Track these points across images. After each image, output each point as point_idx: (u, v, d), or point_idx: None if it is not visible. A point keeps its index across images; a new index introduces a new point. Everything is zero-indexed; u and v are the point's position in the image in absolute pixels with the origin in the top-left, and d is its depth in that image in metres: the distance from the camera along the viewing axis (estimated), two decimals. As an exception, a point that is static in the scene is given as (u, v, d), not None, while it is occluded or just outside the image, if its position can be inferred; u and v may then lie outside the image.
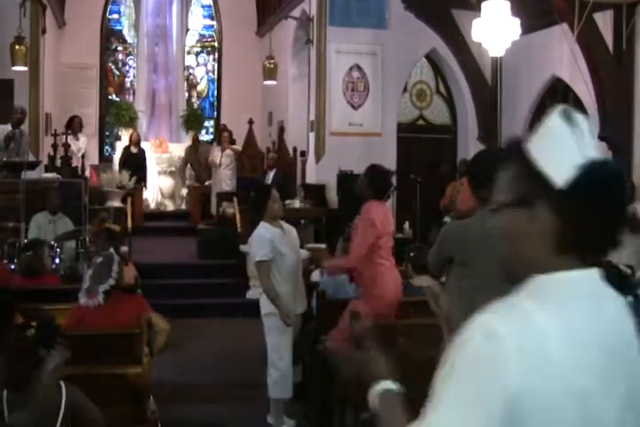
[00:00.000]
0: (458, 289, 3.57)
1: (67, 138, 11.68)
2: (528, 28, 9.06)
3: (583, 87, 9.09)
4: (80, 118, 12.51)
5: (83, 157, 11.80)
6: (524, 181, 1.35)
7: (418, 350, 4.05)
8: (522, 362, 1.21)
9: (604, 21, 8.77)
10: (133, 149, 13.23)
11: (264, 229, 5.13)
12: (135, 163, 12.76)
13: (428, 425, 1.23)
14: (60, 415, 2.76)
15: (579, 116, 1.37)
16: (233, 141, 12.81)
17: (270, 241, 5.04)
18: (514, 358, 1.21)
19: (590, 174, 1.29)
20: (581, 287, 1.32)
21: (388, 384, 1.50)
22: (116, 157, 14.19)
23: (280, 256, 5.07)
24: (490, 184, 3.67)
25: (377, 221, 4.91)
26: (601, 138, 9.08)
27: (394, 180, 6.16)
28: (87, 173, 11.92)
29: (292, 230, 5.39)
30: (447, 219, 10.07)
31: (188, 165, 14.16)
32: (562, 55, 9.65)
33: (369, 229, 4.88)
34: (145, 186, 13.14)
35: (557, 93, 10.78)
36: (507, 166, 1.41)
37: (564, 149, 1.32)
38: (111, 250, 4.90)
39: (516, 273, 1.42)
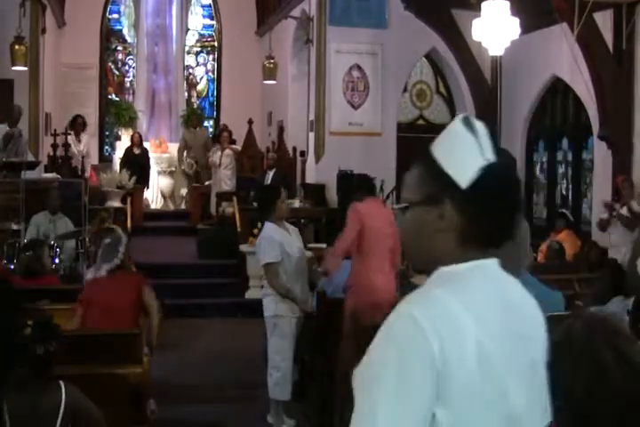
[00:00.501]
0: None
1: (66, 138, 11.68)
2: (528, 28, 9.06)
3: (583, 87, 9.08)
4: (83, 118, 12.53)
5: (83, 157, 11.80)
6: (431, 181, 1.47)
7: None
8: (440, 341, 1.34)
9: (604, 21, 8.77)
10: (136, 150, 13.24)
11: (272, 230, 5.12)
12: (137, 164, 12.78)
13: (371, 408, 1.34)
14: (60, 415, 2.75)
15: (478, 123, 1.48)
16: (233, 141, 12.82)
17: (280, 243, 5.05)
18: (433, 338, 1.34)
19: (491, 176, 1.43)
20: (482, 274, 1.46)
21: None
22: (116, 156, 14.19)
23: (287, 257, 5.07)
24: None
25: (357, 217, 5.14)
26: (601, 137, 9.09)
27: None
28: (87, 173, 11.93)
29: (296, 231, 5.40)
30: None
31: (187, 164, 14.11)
32: (562, 55, 9.65)
33: (350, 223, 5.16)
34: (147, 186, 13.17)
35: (557, 93, 10.78)
36: (413, 167, 1.55)
37: (466, 152, 1.45)
38: (120, 232, 4.99)
39: (422, 266, 1.56)
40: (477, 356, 1.36)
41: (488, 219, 1.45)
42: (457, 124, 1.50)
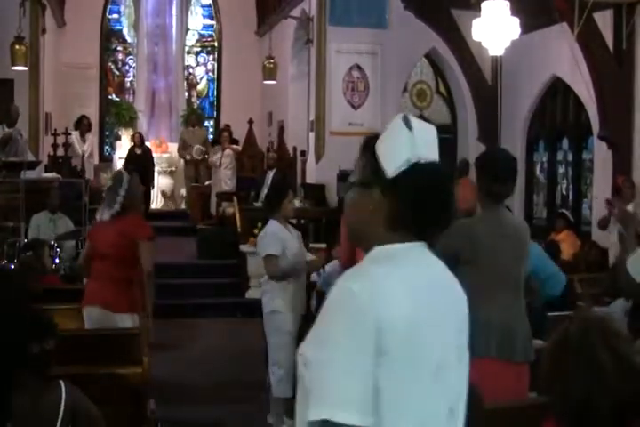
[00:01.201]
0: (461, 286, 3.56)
1: (67, 138, 11.68)
2: (528, 28, 9.06)
3: (583, 87, 9.08)
4: (88, 119, 12.54)
5: (83, 156, 11.80)
6: (368, 168, 1.69)
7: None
8: (376, 314, 1.52)
9: (604, 21, 8.76)
10: (137, 150, 13.24)
11: (276, 228, 5.15)
12: (140, 164, 12.80)
13: (321, 370, 1.52)
14: (60, 415, 2.75)
15: (419, 123, 1.68)
16: (235, 141, 12.83)
17: (282, 239, 5.07)
18: (370, 311, 1.52)
19: (416, 170, 1.63)
20: (412, 255, 1.68)
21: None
22: (117, 156, 14.21)
23: (285, 257, 5.08)
24: (507, 180, 3.67)
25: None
26: (601, 137, 9.08)
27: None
28: (92, 174, 11.95)
29: (299, 235, 5.41)
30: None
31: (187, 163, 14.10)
32: (562, 55, 9.65)
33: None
34: (152, 186, 13.18)
35: (557, 93, 10.78)
36: (360, 156, 1.77)
37: (398, 146, 1.65)
38: (122, 173, 4.98)
39: (356, 240, 1.76)
40: (408, 320, 1.55)
41: (409, 209, 1.64)
42: (396, 121, 1.69)
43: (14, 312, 2.81)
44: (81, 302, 4.76)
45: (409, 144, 1.64)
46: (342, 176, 10.79)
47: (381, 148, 1.68)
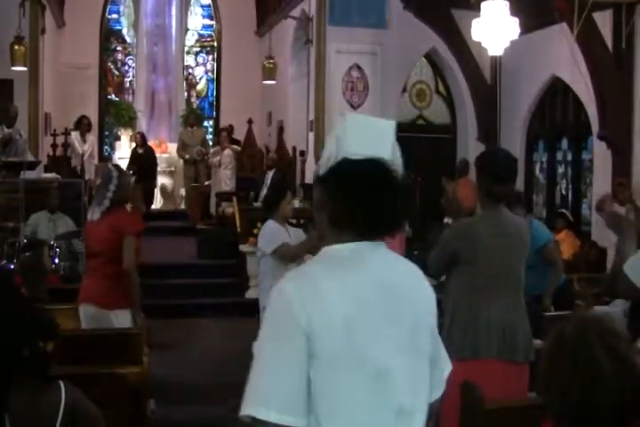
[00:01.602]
0: (460, 287, 3.56)
1: (66, 138, 11.68)
2: (527, 28, 9.06)
3: (583, 87, 9.09)
4: (89, 119, 12.54)
5: (83, 156, 11.80)
6: (319, 166, 1.74)
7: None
8: (306, 312, 1.55)
9: (604, 21, 8.76)
10: (140, 150, 13.27)
11: (273, 227, 5.18)
12: (143, 163, 12.86)
13: (257, 371, 1.57)
14: (60, 415, 2.75)
15: (353, 119, 1.72)
16: (236, 142, 12.83)
17: (281, 239, 5.10)
18: (300, 309, 1.55)
19: (342, 167, 1.65)
20: (359, 256, 1.66)
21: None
22: (116, 156, 14.21)
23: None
24: (507, 180, 3.67)
25: None
26: (600, 137, 9.08)
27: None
28: (92, 174, 11.94)
29: (298, 234, 5.41)
30: (447, 220, 10.08)
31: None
32: (561, 55, 9.65)
33: None
34: (155, 185, 13.20)
35: (557, 93, 10.78)
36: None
37: (328, 145, 1.71)
38: (110, 168, 5.00)
39: (324, 242, 1.75)
40: (343, 325, 1.55)
41: (341, 207, 1.66)
42: (338, 121, 1.75)
43: (14, 312, 2.81)
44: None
45: (335, 142, 1.67)
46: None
47: (324, 147, 1.74)
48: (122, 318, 4.62)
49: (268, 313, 1.62)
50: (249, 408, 1.54)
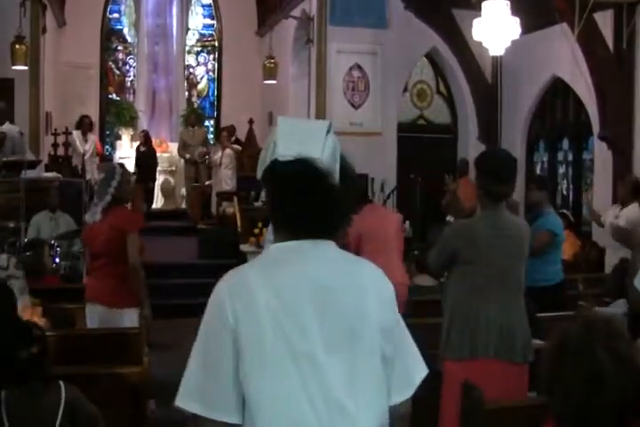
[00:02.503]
0: (460, 287, 3.56)
1: (67, 137, 11.68)
2: (528, 28, 9.06)
3: (583, 87, 9.09)
4: (90, 118, 12.54)
5: (84, 155, 11.80)
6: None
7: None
8: (234, 310, 1.61)
9: (605, 21, 8.76)
10: (141, 148, 13.31)
11: None
12: (144, 163, 12.91)
13: (189, 366, 1.64)
14: (59, 415, 2.75)
15: (285, 122, 1.79)
16: (238, 142, 12.82)
17: None
18: (228, 307, 1.62)
19: (268, 172, 1.73)
20: (290, 252, 1.70)
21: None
22: (117, 156, 14.22)
23: None
24: (508, 179, 3.68)
25: (354, 235, 5.18)
26: (601, 138, 9.08)
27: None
28: (94, 174, 11.96)
29: None
30: (449, 218, 10.08)
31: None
32: (562, 55, 9.65)
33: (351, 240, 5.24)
34: (153, 182, 13.20)
35: (557, 93, 10.78)
36: None
37: (266, 150, 1.77)
38: (114, 165, 4.98)
39: None
40: (270, 322, 1.60)
41: (277, 208, 1.73)
42: (275, 124, 1.81)
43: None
44: (82, 301, 4.77)
45: (269, 145, 1.76)
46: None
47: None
48: (131, 317, 4.63)
49: (206, 311, 1.69)
50: (181, 402, 1.61)
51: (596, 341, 1.74)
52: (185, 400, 1.61)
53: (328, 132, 1.81)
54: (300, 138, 1.73)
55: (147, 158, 13.20)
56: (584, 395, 1.72)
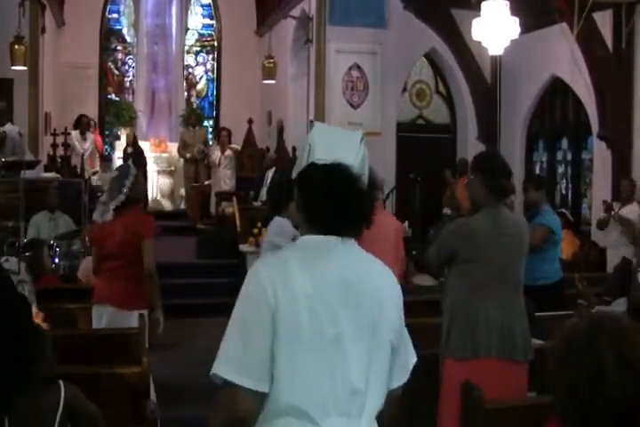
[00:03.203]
0: (460, 286, 3.57)
1: (66, 137, 11.68)
2: (527, 28, 9.06)
3: (583, 86, 9.09)
4: (88, 118, 12.52)
5: (83, 155, 11.79)
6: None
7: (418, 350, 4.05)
8: (274, 291, 1.78)
9: (604, 21, 8.77)
10: (129, 150, 13.23)
11: (285, 222, 5.12)
12: (133, 162, 12.77)
13: (227, 338, 1.80)
14: (59, 415, 2.75)
15: (320, 129, 1.96)
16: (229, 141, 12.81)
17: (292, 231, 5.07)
18: (269, 289, 1.78)
19: (306, 173, 1.89)
20: (322, 246, 1.88)
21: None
22: (116, 156, 14.20)
23: None
24: (510, 176, 3.72)
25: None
26: (600, 137, 9.09)
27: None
28: (97, 168, 11.98)
29: None
30: (446, 210, 10.09)
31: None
32: (561, 55, 9.65)
33: None
34: (145, 180, 13.14)
35: (557, 93, 10.78)
36: None
37: (304, 152, 1.92)
38: (129, 164, 4.93)
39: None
40: (305, 305, 1.77)
41: (311, 207, 1.89)
42: (311, 129, 1.98)
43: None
44: (82, 301, 4.76)
45: (307, 149, 1.90)
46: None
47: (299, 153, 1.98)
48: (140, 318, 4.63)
49: (244, 289, 1.85)
50: (218, 368, 1.78)
51: (602, 340, 1.73)
52: (221, 368, 1.78)
53: (361, 141, 1.98)
54: (336, 144, 1.89)
55: (135, 160, 13.08)
56: (587, 395, 1.72)
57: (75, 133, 12.14)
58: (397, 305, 1.96)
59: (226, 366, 1.78)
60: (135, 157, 12.86)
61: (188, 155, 13.21)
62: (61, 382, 2.84)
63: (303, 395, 1.77)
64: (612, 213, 7.88)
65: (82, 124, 12.19)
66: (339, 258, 1.88)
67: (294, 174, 1.93)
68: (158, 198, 14.45)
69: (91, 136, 12.34)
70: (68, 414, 2.78)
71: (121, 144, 14.71)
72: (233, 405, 1.80)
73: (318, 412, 1.77)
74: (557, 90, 10.71)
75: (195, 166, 13.36)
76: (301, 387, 1.76)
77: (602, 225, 8.20)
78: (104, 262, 4.73)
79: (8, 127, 9.46)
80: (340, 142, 1.91)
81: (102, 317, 4.64)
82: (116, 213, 4.59)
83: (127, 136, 13.53)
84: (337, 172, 1.87)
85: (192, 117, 14.19)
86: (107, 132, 15.72)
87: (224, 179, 12.00)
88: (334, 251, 1.89)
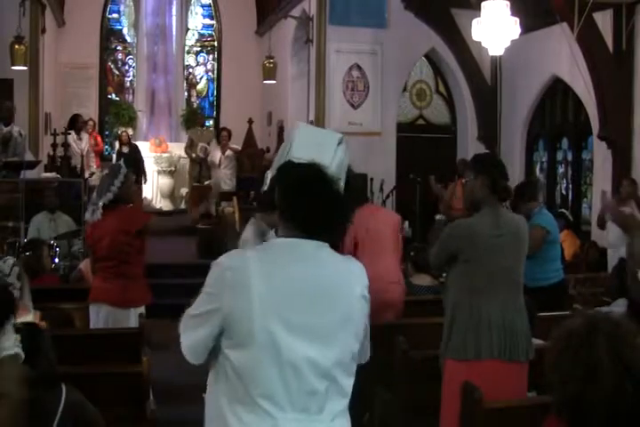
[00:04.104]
0: (461, 287, 3.56)
1: (66, 138, 11.67)
2: (528, 28, 9.06)
3: (583, 87, 9.08)
4: (82, 117, 12.51)
5: (82, 156, 11.78)
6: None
7: (418, 350, 4.05)
8: (230, 290, 1.86)
9: (604, 21, 8.76)
10: (124, 149, 13.20)
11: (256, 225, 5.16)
12: (129, 161, 12.76)
13: (183, 320, 2.01)
14: (58, 415, 2.75)
15: (302, 129, 1.99)
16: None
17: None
18: (227, 285, 1.87)
19: (284, 171, 1.92)
20: (295, 248, 1.90)
21: None
22: (116, 156, 14.20)
23: None
24: (507, 177, 3.73)
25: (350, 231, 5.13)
26: (601, 137, 9.08)
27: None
28: (95, 167, 11.95)
29: None
30: (439, 217, 10.09)
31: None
32: (562, 55, 9.65)
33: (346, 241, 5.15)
34: (145, 180, 13.14)
35: (557, 93, 10.78)
36: None
37: (284, 149, 2.00)
38: (120, 163, 4.91)
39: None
40: (260, 309, 1.81)
41: (284, 203, 1.91)
42: (292, 129, 2.02)
43: None
44: (81, 300, 4.76)
45: (285, 146, 1.96)
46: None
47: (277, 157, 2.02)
48: (137, 317, 4.65)
49: (208, 280, 1.96)
50: (180, 327, 2.02)
51: (598, 339, 1.74)
52: (181, 329, 2.02)
53: (339, 144, 2.02)
54: (315, 145, 1.94)
55: (129, 160, 13.04)
56: (581, 392, 1.73)
57: (72, 134, 12.13)
58: (366, 304, 1.99)
59: (181, 329, 2.02)
60: (128, 156, 12.86)
61: (194, 154, 13.23)
62: (63, 386, 2.84)
63: (256, 390, 1.84)
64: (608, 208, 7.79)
65: (77, 123, 12.17)
66: (304, 260, 1.90)
67: (273, 171, 1.99)
68: (158, 198, 14.45)
69: (86, 136, 12.31)
70: (67, 418, 2.78)
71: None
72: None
73: (272, 407, 1.84)
74: (557, 90, 10.70)
75: (199, 166, 13.36)
76: (254, 383, 1.84)
77: (601, 222, 8.15)
78: (99, 262, 4.76)
79: (13, 127, 9.47)
80: (319, 144, 1.95)
81: (99, 316, 4.65)
82: (106, 212, 4.58)
83: (121, 136, 13.50)
84: (311, 171, 1.90)
85: (199, 118, 14.21)
86: (107, 132, 15.72)
87: (224, 179, 12.00)
88: (300, 253, 1.91)
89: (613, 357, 1.72)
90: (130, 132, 14.55)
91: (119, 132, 14.19)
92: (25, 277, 4.88)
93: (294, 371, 1.83)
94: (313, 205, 1.89)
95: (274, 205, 5.25)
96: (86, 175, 10.89)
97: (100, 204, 4.59)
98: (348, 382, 1.96)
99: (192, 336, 1.94)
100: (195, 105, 16.34)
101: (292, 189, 1.90)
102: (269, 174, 8.12)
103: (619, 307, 4.08)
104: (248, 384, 1.84)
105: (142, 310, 4.70)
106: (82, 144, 12.09)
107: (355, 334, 1.95)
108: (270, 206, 5.10)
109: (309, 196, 1.89)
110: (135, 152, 13.31)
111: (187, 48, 16.38)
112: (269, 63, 12.64)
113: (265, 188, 6.40)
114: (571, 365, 1.75)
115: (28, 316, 4.06)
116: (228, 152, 12.08)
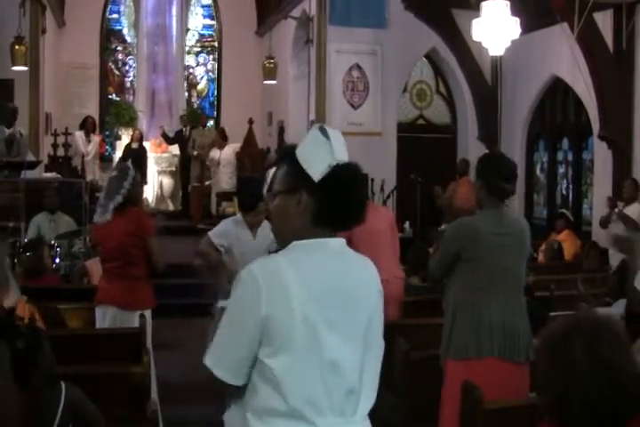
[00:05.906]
0: (462, 286, 3.56)
1: (66, 137, 11.69)
2: (528, 28, 9.06)
3: (583, 87, 9.08)
4: (93, 119, 12.51)
5: (84, 157, 11.79)
6: (293, 175, 1.92)
7: (418, 350, 4.06)
8: (268, 295, 1.80)
9: (604, 21, 8.76)
10: (134, 145, 13.25)
11: (233, 223, 5.20)
12: (135, 158, 12.78)
13: (212, 350, 1.90)
14: (59, 415, 2.75)
15: (331, 131, 1.94)
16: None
17: (234, 235, 5.12)
18: (263, 291, 1.80)
19: (337, 172, 1.87)
20: (322, 249, 1.90)
21: None
22: (117, 156, 14.20)
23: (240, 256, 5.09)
24: (513, 178, 3.71)
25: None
26: (601, 137, 9.08)
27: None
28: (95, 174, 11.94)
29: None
30: (443, 227, 10.08)
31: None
32: (562, 55, 9.64)
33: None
34: (145, 182, 13.13)
35: (557, 93, 10.78)
36: (281, 164, 2.00)
37: (320, 153, 1.90)
38: (128, 165, 4.90)
39: (285, 243, 1.94)
40: (300, 310, 1.79)
41: (334, 206, 1.88)
42: (314, 131, 1.98)
43: None
44: (82, 300, 4.76)
45: (329, 151, 1.89)
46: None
47: (304, 156, 1.92)
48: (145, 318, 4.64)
49: (238, 292, 1.86)
50: (208, 360, 1.90)
51: (576, 340, 1.73)
52: (208, 360, 1.90)
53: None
54: (342, 145, 1.93)
55: (136, 156, 13.06)
56: (563, 393, 1.73)
57: (79, 134, 12.12)
58: (380, 303, 2.02)
59: (211, 359, 1.90)
60: (138, 155, 12.88)
61: (195, 153, 13.24)
62: (63, 384, 2.84)
63: (298, 396, 1.82)
64: (617, 209, 7.81)
65: (87, 124, 12.18)
66: (334, 258, 1.92)
67: (315, 176, 1.88)
68: (159, 198, 14.45)
69: (95, 139, 12.31)
70: (68, 416, 2.78)
71: (121, 144, 14.72)
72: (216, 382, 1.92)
73: (313, 412, 1.83)
74: (558, 90, 10.70)
75: (202, 166, 13.36)
76: (296, 389, 1.82)
77: (604, 223, 8.17)
78: (105, 263, 4.76)
79: (12, 129, 9.48)
80: (344, 143, 1.96)
81: (105, 317, 4.65)
82: (115, 214, 4.59)
83: (134, 133, 13.54)
84: (359, 171, 1.95)
85: (202, 117, 14.20)
86: (107, 133, 15.72)
87: (224, 179, 12.00)
88: (329, 251, 1.92)
89: (592, 357, 1.71)
90: (131, 132, 14.56)
91: (131, 130, 14.24)
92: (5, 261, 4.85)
93: (334, 370, 1.84)
94: (361, 205, 1.96)
95: (254, 205, 5.20)
96: (89, 178, 10.91)
97: (111, 207, 4.59)
98: (377, 378, 2.00)
99: (230, 355, 1.87)
100: (195, 105, 16.34)
101: (340, 187, 1.90)
102: (270, 174, 8.08)
103: (620, 308, 4.08)
104: (287, 392, 1.81)
105: (149, 312, 4.69)
106: (89, 146, 12.08)
107: (380, 328, 1.99)
108: (250, 207, 5.11)
109: (357, 193, 1.95)
110: (143, 151, 13.35)
111: (187, 48, 16.38)
112: (270, 63, 12.64)
113: (266, 187, 6.41)
114: (551, 365, 1.76)
115: (11, 298, 3.99)
116: (228, 151, 12.07)
